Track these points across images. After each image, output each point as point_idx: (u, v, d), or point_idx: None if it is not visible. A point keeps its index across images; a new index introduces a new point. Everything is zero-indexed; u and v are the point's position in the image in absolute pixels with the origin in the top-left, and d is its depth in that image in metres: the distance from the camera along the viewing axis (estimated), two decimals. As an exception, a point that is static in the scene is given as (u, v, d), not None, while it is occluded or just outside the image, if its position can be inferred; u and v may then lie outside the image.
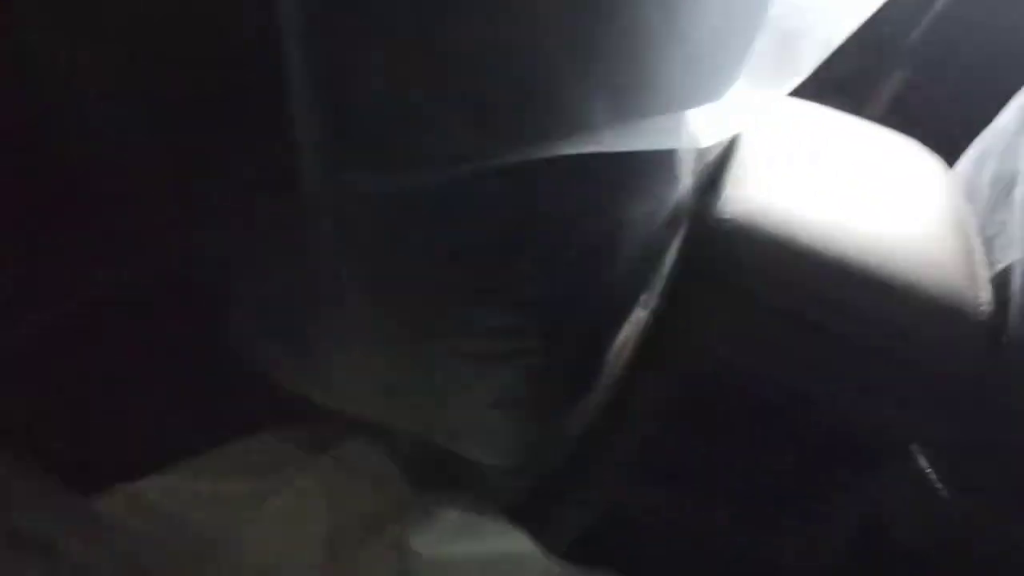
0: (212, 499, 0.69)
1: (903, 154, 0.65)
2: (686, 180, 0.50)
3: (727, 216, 0.50)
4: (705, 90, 0.42)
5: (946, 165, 0.67)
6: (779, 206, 0.51)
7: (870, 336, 0.47)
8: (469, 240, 0.41)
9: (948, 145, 0.72)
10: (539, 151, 0.35)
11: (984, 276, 0.51)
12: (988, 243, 0.56)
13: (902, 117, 1.15)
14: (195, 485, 0.67)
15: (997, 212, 0.57)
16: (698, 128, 0.41)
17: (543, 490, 0.71)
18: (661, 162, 0.43)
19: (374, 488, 0.76)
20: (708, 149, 0.50)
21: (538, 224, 0.42)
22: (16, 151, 0.36)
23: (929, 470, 0.58)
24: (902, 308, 0.47)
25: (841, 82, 1.21)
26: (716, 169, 0.55)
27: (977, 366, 0.47)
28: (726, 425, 0.54)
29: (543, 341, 0.53)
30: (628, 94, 0.37)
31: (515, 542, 0.70)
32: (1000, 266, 0.54)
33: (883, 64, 1.15)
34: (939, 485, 0.58)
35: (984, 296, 0.49)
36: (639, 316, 0.60)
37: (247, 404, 0.68)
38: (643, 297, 0.58)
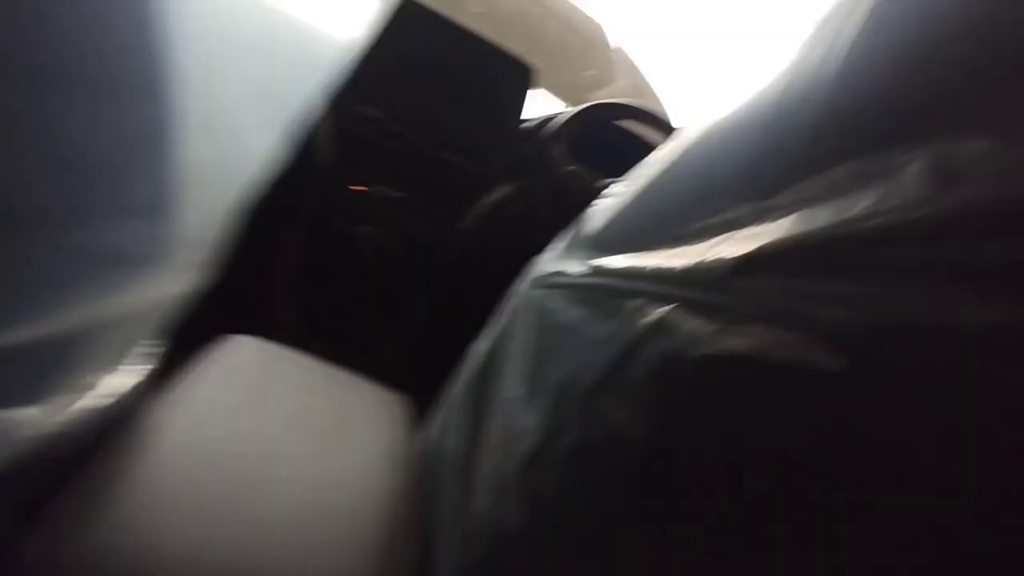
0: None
1: (365, 415, 0.62)
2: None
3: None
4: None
5: (415, 427, 0.67)
6: (140, 539, 0.39)
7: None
8: None
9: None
10: None
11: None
12: (430, 527, 0.53)
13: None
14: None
15: (449, 491, 0.56)
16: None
17: None
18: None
19: None
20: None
21: None
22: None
23: None
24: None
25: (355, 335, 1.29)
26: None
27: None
28: None
29: None
30: None
31: None
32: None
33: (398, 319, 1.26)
34: None
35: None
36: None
37: None
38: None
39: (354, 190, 1.19)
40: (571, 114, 1.17)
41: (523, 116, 1.26)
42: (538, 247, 1.06)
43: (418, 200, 1.22)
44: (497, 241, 1.24)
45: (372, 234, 1.22)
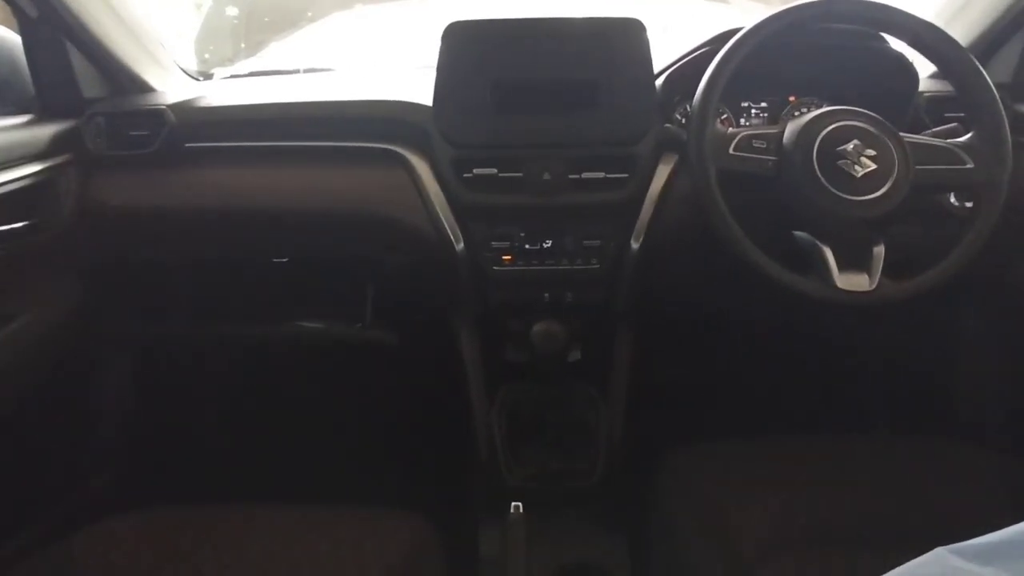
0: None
1: None
2: None
3: None
4: None
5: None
6: None
7: None
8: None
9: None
10: None
11: None
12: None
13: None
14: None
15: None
16: None
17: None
18: None
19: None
20: None
21: None
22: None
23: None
24: None
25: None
26: None
27: None
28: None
29: None
30: None
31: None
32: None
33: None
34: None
35: None
36: None
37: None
38: None
39: (505, 261, 1.04)
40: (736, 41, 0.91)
41: (654, 71, 1.02)
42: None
43: (572, 244, 1.04)
44: (683, 245, 1.04)
45: (547, 333, 1.05)
